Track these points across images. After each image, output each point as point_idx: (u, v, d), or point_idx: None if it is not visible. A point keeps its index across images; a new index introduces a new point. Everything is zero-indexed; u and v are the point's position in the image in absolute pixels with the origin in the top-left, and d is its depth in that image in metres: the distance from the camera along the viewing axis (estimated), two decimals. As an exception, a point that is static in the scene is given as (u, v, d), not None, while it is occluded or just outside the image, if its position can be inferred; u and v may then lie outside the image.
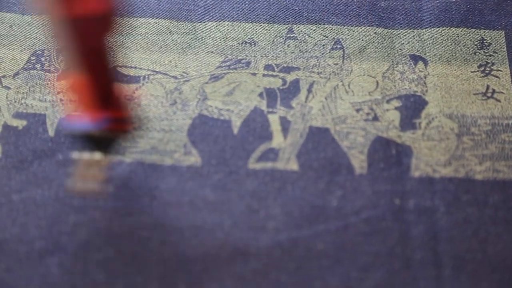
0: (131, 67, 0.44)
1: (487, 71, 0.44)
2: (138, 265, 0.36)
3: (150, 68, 0.44)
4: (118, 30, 0.33)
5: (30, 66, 0.44)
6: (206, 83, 0.44)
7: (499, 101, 0.42)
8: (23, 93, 0.43)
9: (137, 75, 0.44)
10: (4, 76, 0.44)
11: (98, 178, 0.37)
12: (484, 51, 0.45)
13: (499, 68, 0.44)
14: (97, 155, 0.36)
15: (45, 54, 0.44)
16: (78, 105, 0.34)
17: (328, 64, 0.44)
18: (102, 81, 0.34)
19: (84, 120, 0.34)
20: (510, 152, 0.40)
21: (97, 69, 0.33)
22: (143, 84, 0.43)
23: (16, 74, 0.44)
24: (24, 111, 0.43)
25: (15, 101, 0.43)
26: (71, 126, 0.35)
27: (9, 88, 0.44)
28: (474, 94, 0.43)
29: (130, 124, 0.36)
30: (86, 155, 0.37)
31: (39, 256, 0.37)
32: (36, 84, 0.43)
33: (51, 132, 0.41)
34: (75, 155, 0.38)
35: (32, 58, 0.45)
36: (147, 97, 0.42)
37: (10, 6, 0.47)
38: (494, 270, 0.36)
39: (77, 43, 0.32)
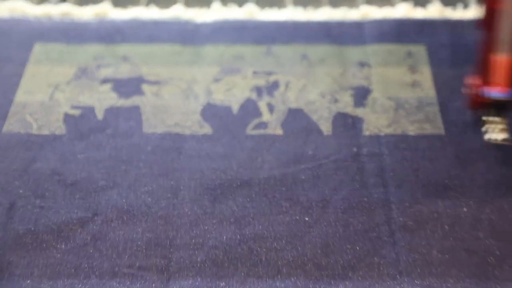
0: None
1: (413, 71, 0.61)
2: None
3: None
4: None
5: (77, 77, 0.60)
6: (211, 83, 0.60)
7: (422, 88, 0.59)
8: (75, 93, 0.59)
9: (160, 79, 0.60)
10: (59, 84, 0.59)
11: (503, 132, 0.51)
12: (411, 58, 0.62)
13: (422, 69, 0.61)
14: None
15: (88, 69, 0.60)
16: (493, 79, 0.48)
17: (299, 70, 0.61)
18: None
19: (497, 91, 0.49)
20: (432, 117, 0.56)
21: None
22: None
23: (68, 82, 0.60)
24: (78, 105, 0.58)
25: (71, 99, 0.58)
26: (491, 94, 0.49)
27: (64, 91, 0.59)
28: (405, 84, 0.60)
29: None
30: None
31: (102, 190, 0.51)
32: (84, 88, 0.59)
33: (99, 117, 0.57)
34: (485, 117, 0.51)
35: (78, 72, 0.60)
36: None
37: (58, 38, 0.64)
38: (423, 186, 0.51)
39: None
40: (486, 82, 0.50)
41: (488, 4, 0.48)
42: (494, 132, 0.51)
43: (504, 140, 0.51)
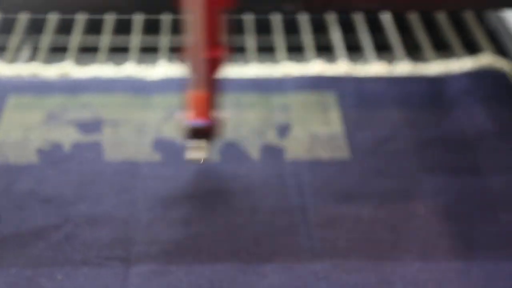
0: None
1: (325, 112, 0.75)
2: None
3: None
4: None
5: (46, 121, 0.72)
6: (160, 123, 0.73)
7: (332, 125, 0.73)
8: (45, 133, 0.71)
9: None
10: (31, 126, 0.71)
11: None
12: (323, 103, 0.76)
13: (332, 111, 0.75)
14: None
15: None
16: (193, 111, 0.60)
17: (233, 113, 0.74)
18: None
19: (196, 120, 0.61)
20: (340, 145, 0.70)
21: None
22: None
23: (39, 125, 0.71)
24: (48, 141, 0.70)
25: (41, 138, 0.70)
26: (189, 123, 0.61)
27: (35, 132, 0.71)
28: (319, 122, 0.74)
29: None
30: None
31: (72, 204, 0.62)
32: (53, 128, 0.71)
33: (67, 150, 0.68)
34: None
35: (46, 117, 0.72)
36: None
37: (28, 91, 0.76)
38: (333, 195, 0.64)
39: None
40: (190, 114, 0.62)
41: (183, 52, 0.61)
42: (195, 153, 0.63)
43: (202, 159, 0.64)
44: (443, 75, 0.81)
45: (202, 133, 0.62)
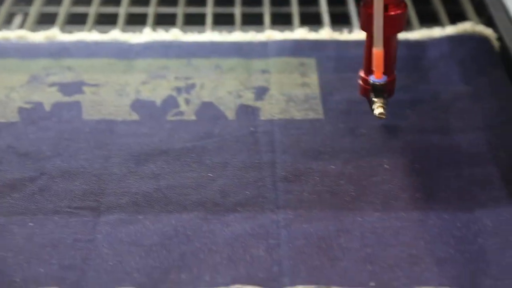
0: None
1: (304, 75, 0.77)
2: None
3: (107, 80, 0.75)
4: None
5: (29, 82, 0.75)
6: (139, 85, 0.75)
7: (310, 87, 0.75)
8: (28, 93, 0.73)
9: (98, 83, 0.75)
10: (14, 87, 0.74)
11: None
12: (303, 67, 0.79)
13: (311, 74, 0.77)
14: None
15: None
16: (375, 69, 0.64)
17: (212, 76, 0.77)
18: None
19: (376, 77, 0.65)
20: (315, 106, 0.72)
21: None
22: None
23: (22, 86, 0.74)
24: (29, 101, 0.72)
25: (24, 97, 0.73)
26: (372, 80, 0.65)
27: (19, 92, 0.74)
28: (296, 85, 0.76)
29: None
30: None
31: (48, 158, 0.65)
32: (35, 89, 0.74)
33: (47, 109, 0.71)
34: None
35: (30, 78, 0.75)
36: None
37: (14, 54, 0.78)
38: (303, 152, 0.66)
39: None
40: (369, 71, 0.66)
41: (364, 10, 0.64)
42: (375, 109, 0.66)
43: (380, 114, 0.66)
44: (424, 40, 0.83)
45: (382, 89, 0.66)
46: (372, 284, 0.54)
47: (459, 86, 0.75)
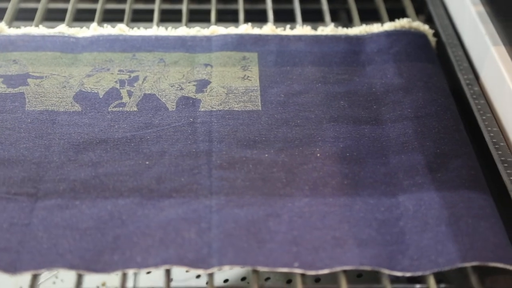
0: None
1: (245, 69, 0.80)
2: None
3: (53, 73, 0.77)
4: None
5: None
6: (83, 78, 0.77)
7: (250, 80, 0.78)
8: None
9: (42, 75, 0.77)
10: None
11: None
12: (245, 61, 0.81)
13: (252, 68, 0.80)
14: None
15: None
16: None
17: (155, 69, 0.79)
18: None
19: None
20: (253, 99, 0.75)
21: None
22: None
23: None
24: None
25: None
26: None
27: None
28: (237, 78, 0.79)
29: None
30: None
31: None
32: None
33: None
34: None
35: None
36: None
37: None
38: (239, 141, 0.69)
39: None
40: None
41: None
42: None
43: None
44: (363, 35, 0.86)
45: None
46: (296, 264, 0.57)
47: (393, 79, 0.78)
